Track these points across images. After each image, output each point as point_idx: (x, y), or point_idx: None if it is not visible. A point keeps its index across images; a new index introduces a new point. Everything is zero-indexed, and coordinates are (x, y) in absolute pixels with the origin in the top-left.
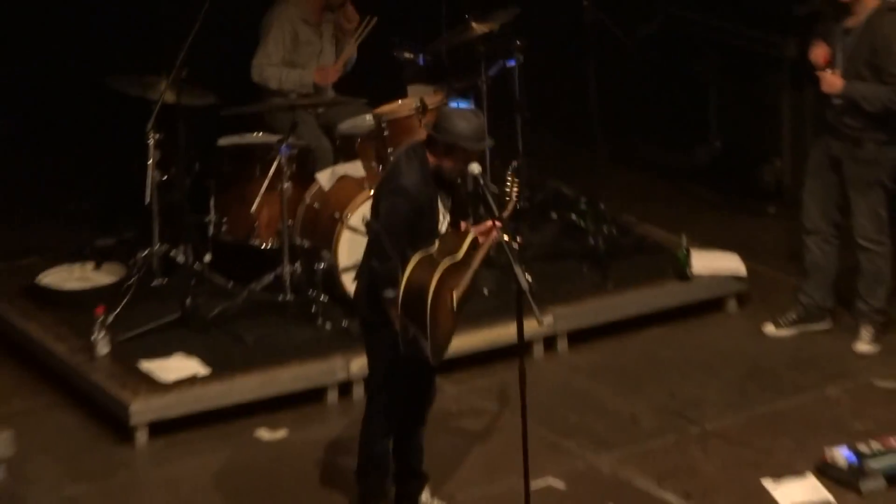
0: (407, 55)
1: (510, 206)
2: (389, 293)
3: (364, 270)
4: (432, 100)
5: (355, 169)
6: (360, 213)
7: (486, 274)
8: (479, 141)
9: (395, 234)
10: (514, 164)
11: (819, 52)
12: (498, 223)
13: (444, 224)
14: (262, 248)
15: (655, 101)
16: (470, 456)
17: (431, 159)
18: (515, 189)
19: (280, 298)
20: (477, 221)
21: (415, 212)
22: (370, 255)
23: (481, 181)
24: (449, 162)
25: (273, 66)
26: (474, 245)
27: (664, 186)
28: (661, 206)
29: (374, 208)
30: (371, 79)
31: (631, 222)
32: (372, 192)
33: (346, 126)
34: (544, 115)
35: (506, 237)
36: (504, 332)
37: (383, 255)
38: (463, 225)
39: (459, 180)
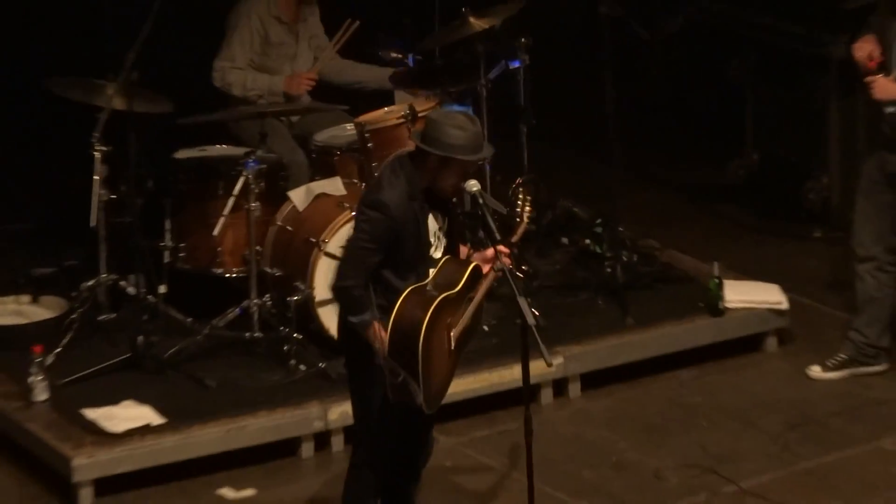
0: (394, 55)
1: (520, 229)
2: (353, 318)
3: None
4: (424, 106)
5: (334, 186)
6: (339, 238)
7: (487, 307)
8: (476, 151)
9: (360, 254)
10: (522, 179)
11: (865, 50)
12: (503, 249)
13: (438, 249)
14: (227, 277)
15: (682, 109)
16: None
17: (421, 173)
18: (527, 208)
19: (247, 336)
20: (479, 247)
21: (392, 231)
22: None
23: (480, 199)
24: (441, 176)
25: (238, 70)
26: (476, 275)
27: (692, 206)
28: (689, 229)
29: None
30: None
31: (654, 248)
32: (354, 213)
33: (324, 137)
34: (553, 124)
35: (509, 264)
36: (507, 375)
37: (340, 275)
38: (463, 251)
39: (455, 199)
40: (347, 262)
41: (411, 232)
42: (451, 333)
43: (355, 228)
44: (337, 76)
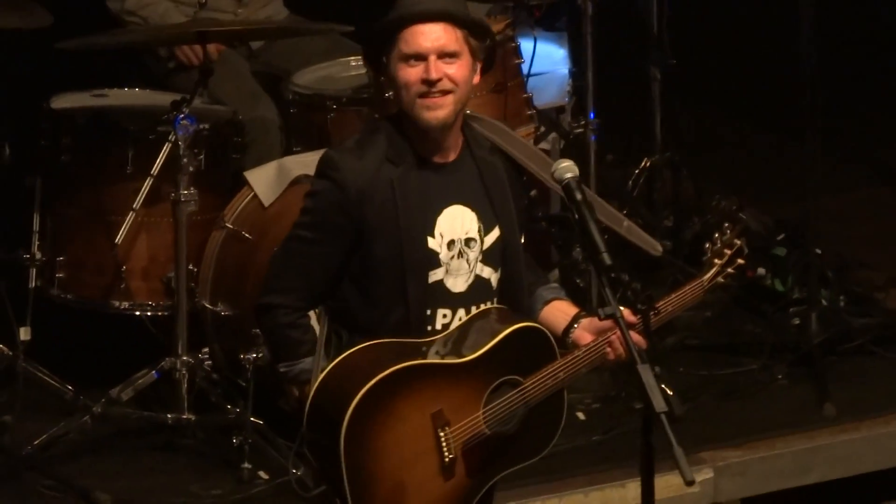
0: None
1: (711, 275)
2: (281, 367)
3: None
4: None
5: None
6: None
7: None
8: (426, 3)
9: (292, 251)
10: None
11: None
12: (629, 316)
13: (459, 276)
14: (135, 316)
15: None
16: None
17: (403, 118)
18: (735, 240)
19: (169, 419)
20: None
21: (345, 215)
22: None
23: (578, 194)
24: (394, 83)
25: None
26: (533, 345)
27: None
28: None
29: None
30: None
31: (874, 286)
32: None
33: (310, 78)
34: (706, 68)
35: (641, 342)
36: (616, 498)
37: (263, 288)
38: (560, 309)
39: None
40: (274, 267)
41: (386, 220)
42: (442, 434)
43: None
44: None
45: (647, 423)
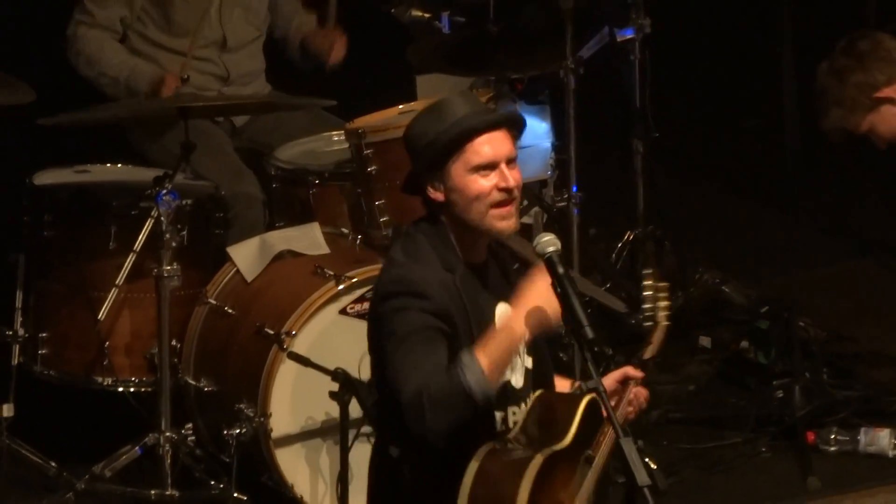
0: (416, 14)
1: (657, 338)
2: (467, 381)
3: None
4: None
5: (308, 239)
6: (315, 329)
7: None
8: (483, 112)
9: (415, 348)
10: (641, 233)
11: None
12: (633, 373)
13: (517, 372)
14: (119, 392)
15: None
16: None
17: (447, 223)
18: (663, 300)
19: (153, 496)
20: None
21: (438, 321)
22: (386, 442)
23: (559, 268)
24: (463, 192)
25: (97, 33)
26: (593, 416)
27: None
28: None
29: (371, 330)
30: (345, 63)
31: (859, 357)
32: (341, 286)
33: (293, 153)
34: (688, 140)
35: (643, 399)
36: None
37: (409, 398)
38: (562, 384)
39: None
40: (405, 368)
41: (463, 329)
42: None
43: (394, 336)
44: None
45: (630, 497)
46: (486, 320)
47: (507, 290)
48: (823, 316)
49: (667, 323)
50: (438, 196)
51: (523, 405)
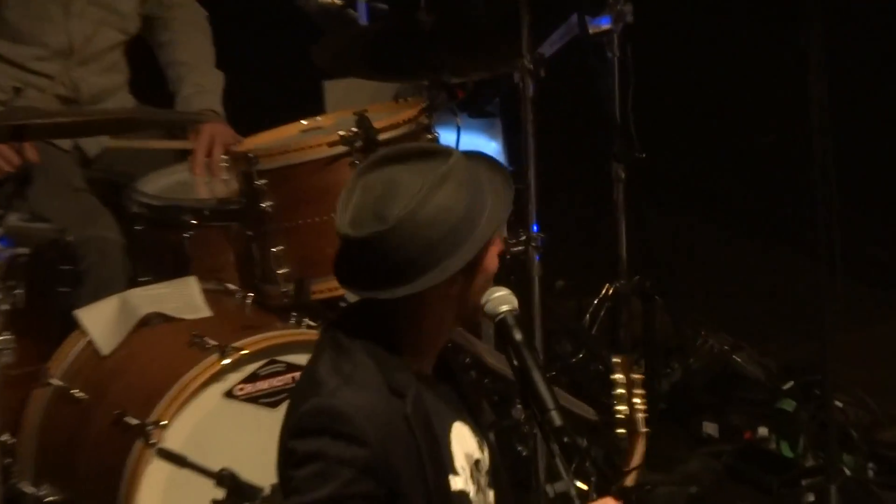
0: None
1: (637, 448)
2: None
3: None
4: (392, 117)
5: (183, 298)
6: (192, 417)
7: None
8: (506, 206)
9: None
10: (614, 291)
11: None
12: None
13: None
14: None
15: None
16: None
17: (406, 329)
18: (638, 399)
19: None
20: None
21: (365, 483)
22: None
23: (516, 335)
24: (485, 275)
25: None
26: None
27: None
28: None
29: (281, 465)
30: (233, 66)
31: None
32: (227, 360)
33: (161, 186)
34: (680, 163)
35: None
36: None
37: None
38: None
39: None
40: None
41: (413, 474)
42: None
43: (285, 474)
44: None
45: None
46: (442, 451)
47: (459, 403)
48: (866, 393)
49: (645, 430)
50: (451, 291)
51: None
